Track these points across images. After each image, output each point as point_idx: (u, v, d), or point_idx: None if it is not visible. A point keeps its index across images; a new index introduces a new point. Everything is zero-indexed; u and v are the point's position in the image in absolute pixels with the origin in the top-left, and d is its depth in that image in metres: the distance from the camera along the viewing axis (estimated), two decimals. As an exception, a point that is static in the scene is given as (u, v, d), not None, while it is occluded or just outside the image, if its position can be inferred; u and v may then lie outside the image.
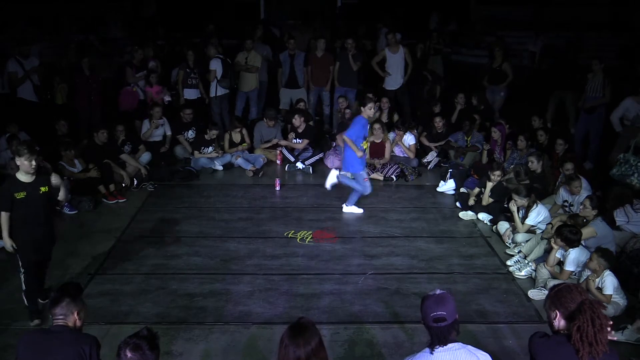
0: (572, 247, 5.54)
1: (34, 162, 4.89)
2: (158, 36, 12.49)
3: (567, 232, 5.57)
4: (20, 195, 4.92)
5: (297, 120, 9.31)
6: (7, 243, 5.08)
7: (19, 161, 4.90)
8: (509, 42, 13.34)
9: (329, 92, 10.74)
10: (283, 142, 9.45)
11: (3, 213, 4.97)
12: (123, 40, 12.82)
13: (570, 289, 3.02)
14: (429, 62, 12.07)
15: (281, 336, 2.86)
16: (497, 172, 7.43)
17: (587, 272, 5.44)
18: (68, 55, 10.48)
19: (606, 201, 6.48)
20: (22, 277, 5.21)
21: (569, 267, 5.54)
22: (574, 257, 5.53)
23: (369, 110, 7.20)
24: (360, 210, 7.50)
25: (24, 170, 4.92)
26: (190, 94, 10.30)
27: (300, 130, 9.40)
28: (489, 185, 7.35)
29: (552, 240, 5.72)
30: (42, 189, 5.04)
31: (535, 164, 7.50)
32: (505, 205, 7.08)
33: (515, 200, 6.61)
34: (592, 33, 12.40)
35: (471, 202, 7.54)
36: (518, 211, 6.63)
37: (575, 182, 6.76)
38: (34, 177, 4.98)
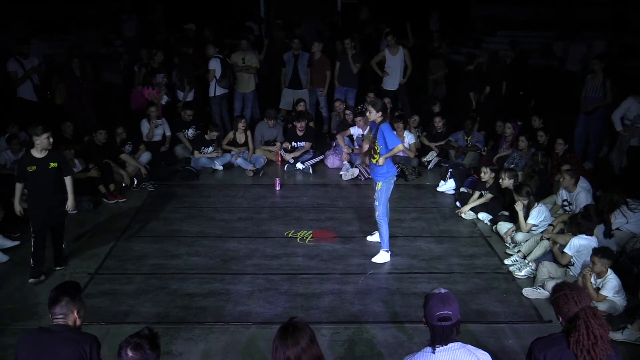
0: (578, 231, 5.72)
1: (51, 139, 5.72)
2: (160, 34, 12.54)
3: (580, 216, 5.82)
4: (32, 168, 5.70)
5: (300, 125, 9.30)
6: (17, 208, 5.90)
7: (37, 140, 5.64)
8: (526, 42, 13.32)
9: (325, 96, 10.73)
10: (288, 157, 9.36)
11: (17, 184, 5.80)
12: (135, 40, 12.84)
13: (566, 298, 3.16)
14: (430, 64, 12.00)
15: (273, 338, 2.87)
16: (485, 170, 7.45)
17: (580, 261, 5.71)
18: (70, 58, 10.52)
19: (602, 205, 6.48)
20: (32, 240, 5.84)
21: (569, 250, 5.69)
22: (575, 244, 5.67)
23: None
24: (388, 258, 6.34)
25: (43, 147, 5.68)
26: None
27: (301, 133, 9.40)
28: (520, 210, 6.58)
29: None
30: (52, 164, 5.75)
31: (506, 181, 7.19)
32: (506, 213, 7.09)
33: (517, 199, 6.64)
34: (590, 33, 12.35)
35: (468, 207, 7.50)
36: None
37: (564, 174, 6.89)
38: (45, 153, 5.72)
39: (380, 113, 5.99)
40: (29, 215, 5.83)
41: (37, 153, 5.69)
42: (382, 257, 6.27)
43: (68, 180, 5.94)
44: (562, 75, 12.04)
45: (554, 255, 5.95)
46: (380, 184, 6.13)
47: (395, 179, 6.25)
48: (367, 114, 6.14)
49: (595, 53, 11.06)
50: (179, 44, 11.84)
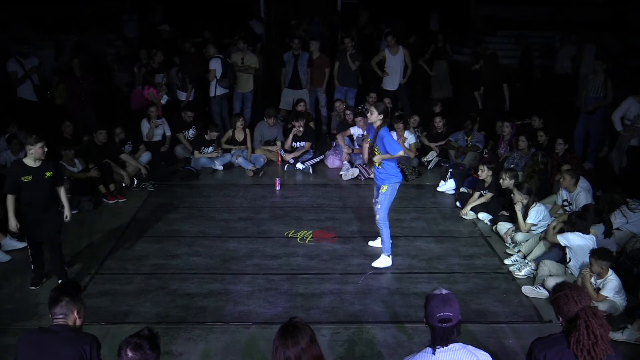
0: (573, 230, 5.73)
1: (45, 148, 5.38)
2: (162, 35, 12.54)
3: (575, 215, 5.84)
4: (27, 178, 5.34)
5: (299, 124, 9.29)
6: (12, 223, 5.42)
7: (31, 149, 5.32)
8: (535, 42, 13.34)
9: (324, 94, 10.73)
10: (288, 157, 9.35)
11: (9, 195, 5.37)
12: (136, 40, 12.82)
13: (567, 298, 3.17)
14: (433, 66, 11.89)
15: (273, 338, 2.87)
16: (482, 167, 7.47)
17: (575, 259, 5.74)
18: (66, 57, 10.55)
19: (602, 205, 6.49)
20: (28, 250, 5.64)
21: (561, 238, 5.77)
22: (570, 238, 5.72)
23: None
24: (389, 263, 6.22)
25: (37, 157, 5.36)
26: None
27: (300, 134, 9.40)
28: (519, 210, 6.61)
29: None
30: (47, 173, 5.44)
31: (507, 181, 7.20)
32: (506, 213, 7.10)
33: (513, 195, 6.63)
34: (593, 33, 12.36)
35: (468, 208, 7.49)
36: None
37: (564, 174, 6.89)
38: (40, 162, 5.40)
39: (381, 116, 5.80)
40: (21, 228, 5.51)
41: (30, 162, 5.37)
42: (383, 261, 6.15)
43: (62, 191, 5.69)
44: (557, 76, 12.06)
45: (547, 232, 6.10)
46: (385, 187, 5.97)
47: (399, 184, 6.08)
48: (368, 114, 5.97)
49: (585, 55, 11.13)
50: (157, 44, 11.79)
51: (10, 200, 5.37)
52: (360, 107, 10.08)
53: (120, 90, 10.87)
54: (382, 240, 6.20)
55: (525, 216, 6.57)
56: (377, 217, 6.09)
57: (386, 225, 6.08)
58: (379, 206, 6.07)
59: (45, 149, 5.39)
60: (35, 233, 5.53)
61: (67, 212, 5.76)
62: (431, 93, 11.77)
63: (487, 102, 10.36)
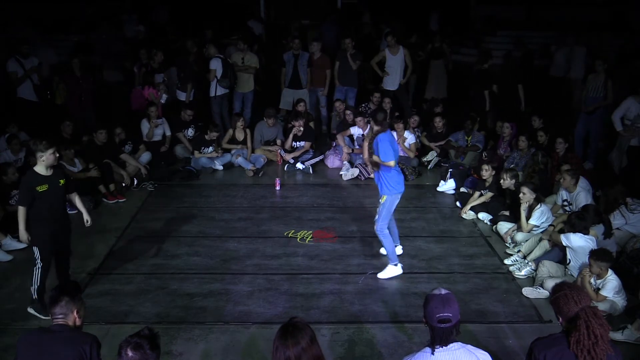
0: (572, 231, 5.73)
1: (57, 154, 5.15)
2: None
3: (574, 216, 5.82)
4: (43, 188, 5.05)
5: (298, 123, 9.29)
6: (24, 236, 5.14)
7: (43, 156, 5.03)
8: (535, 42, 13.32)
9: (325, 95, 10.72)
10: (288, 157, 9.33)
11: (21, 207, 5.09)
12: (136, 41, 12.81)
13: (567, 298, 3.17)
14: (430, 66, 11.82)
15: (273, 338, 2.87)
16: (486, 167, 7.49)
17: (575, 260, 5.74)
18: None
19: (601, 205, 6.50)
20: (36, 271, 5.17)
21: (564, 238, 5.73)
22: (572, 239, 5.69)
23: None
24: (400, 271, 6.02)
25: (49, 164, 5.08)
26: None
27: (300, 134, 9.40)
28: (524, 210, 6.58)
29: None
30: (61, 181, 5.22)
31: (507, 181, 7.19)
32: (506, 213, 7.10)
33: (523, 194, 6.57)
34: (592, 33, 12.35)
35: (468, 208, 7.49)
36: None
37: (564, 174, 6.87)
38: (52, 170, 5.15)
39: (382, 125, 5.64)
40: (34, 241, 5.16)
41: (42, 170, 5.08)
42: (390, 271, 5.92)
43: (77, 197, 5.55)
44: (552, 80, 12.03)
45: (547, 232, 6.15)
46: (385, 197, 5.78)
47: (400, 195, 5.86)
48: (374, 127, 5.69)
49: (575, 57, 11.10)
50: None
51: (22, 212, 5.08)
52: (361, 107, 10.08)
53: (111, 89, 10.80)
54: (386, 250, 6.00)
55: (528, 217, 6.57)
56: (375, 226, 5.88)
57: (384, 234, 5.86)
58: (376, 216, 5.88)
59: (57, 155, 5.17)
60: (53, 244, 5.24)
61: (86, 216, 5.58)
62: (424, 92, 11.73)
63: (497, 102, 10.27)
